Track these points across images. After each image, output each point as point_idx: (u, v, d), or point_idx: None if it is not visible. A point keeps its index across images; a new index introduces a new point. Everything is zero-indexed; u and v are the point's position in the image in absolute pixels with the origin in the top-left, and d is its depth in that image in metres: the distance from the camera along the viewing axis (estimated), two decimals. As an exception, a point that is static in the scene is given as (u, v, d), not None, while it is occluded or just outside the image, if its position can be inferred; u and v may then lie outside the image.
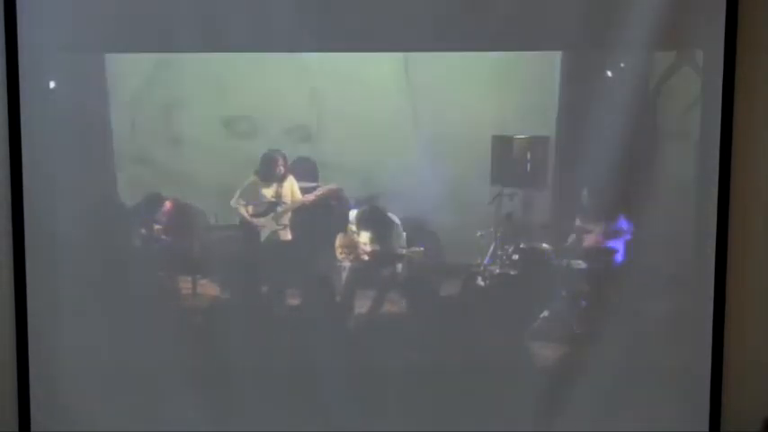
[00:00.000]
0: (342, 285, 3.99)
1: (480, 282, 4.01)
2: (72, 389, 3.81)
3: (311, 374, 3.92)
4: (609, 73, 3.71)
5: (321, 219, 3.96)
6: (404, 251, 3.98)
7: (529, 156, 3.95)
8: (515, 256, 4.01)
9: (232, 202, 3.92)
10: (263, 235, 3.96)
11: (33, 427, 3.82)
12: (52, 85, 3.67)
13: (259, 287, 3.96)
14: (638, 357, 3.90)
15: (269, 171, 3.92)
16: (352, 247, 3.97)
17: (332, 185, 3.93)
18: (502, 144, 3.91)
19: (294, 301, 3.96)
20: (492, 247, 4.03)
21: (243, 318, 3.90)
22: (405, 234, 3.98)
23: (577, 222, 3.93)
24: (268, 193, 3.95)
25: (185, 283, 3.92)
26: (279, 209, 3.94)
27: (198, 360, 3.86)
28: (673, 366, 3.93)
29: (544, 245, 4.02)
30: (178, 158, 3.77)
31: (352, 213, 3.98)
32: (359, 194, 3.97)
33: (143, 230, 3.77)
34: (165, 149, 3.76)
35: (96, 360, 3.83)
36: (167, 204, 3.85)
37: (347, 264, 3.98)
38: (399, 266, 4.01)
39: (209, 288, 3.93)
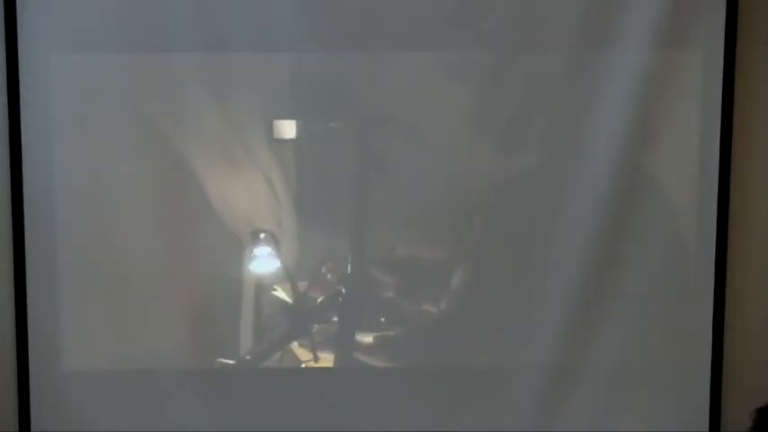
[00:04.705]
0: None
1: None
2: (72, 389, 3.81)
3: (312, 374, 3.93)
4: (609, 73, 3.70)
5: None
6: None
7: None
8: (516, 256, 4.00)
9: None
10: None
11: (33, 427, 3.82)
12: (52, 85, 3.67)
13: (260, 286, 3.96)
14: (637, 357, 3.90)
15: None
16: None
17: None
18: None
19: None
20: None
21: (243, 317, 3.90)
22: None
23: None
24: None
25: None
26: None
27: (198, 359, 3.86)
28: (672, 366, 3.93)
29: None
30: (177, 157, 3.76)
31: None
32: (355, 197, 3.94)
33: (144, 229, 3.75)
34: (165, 149, 3.76)
35: (97, 360, 3.83)
36: (169, 202, 3.83)
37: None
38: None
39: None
